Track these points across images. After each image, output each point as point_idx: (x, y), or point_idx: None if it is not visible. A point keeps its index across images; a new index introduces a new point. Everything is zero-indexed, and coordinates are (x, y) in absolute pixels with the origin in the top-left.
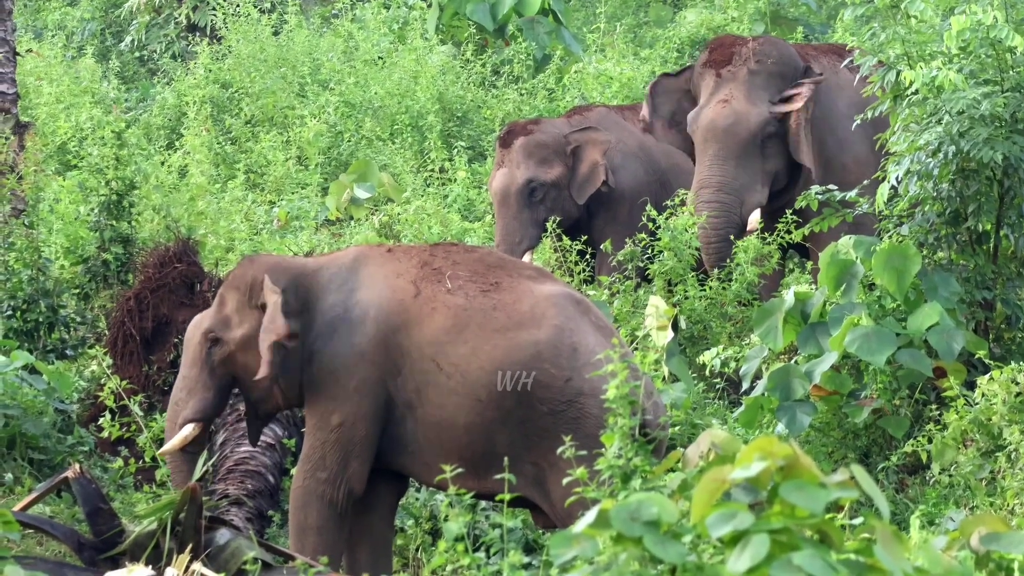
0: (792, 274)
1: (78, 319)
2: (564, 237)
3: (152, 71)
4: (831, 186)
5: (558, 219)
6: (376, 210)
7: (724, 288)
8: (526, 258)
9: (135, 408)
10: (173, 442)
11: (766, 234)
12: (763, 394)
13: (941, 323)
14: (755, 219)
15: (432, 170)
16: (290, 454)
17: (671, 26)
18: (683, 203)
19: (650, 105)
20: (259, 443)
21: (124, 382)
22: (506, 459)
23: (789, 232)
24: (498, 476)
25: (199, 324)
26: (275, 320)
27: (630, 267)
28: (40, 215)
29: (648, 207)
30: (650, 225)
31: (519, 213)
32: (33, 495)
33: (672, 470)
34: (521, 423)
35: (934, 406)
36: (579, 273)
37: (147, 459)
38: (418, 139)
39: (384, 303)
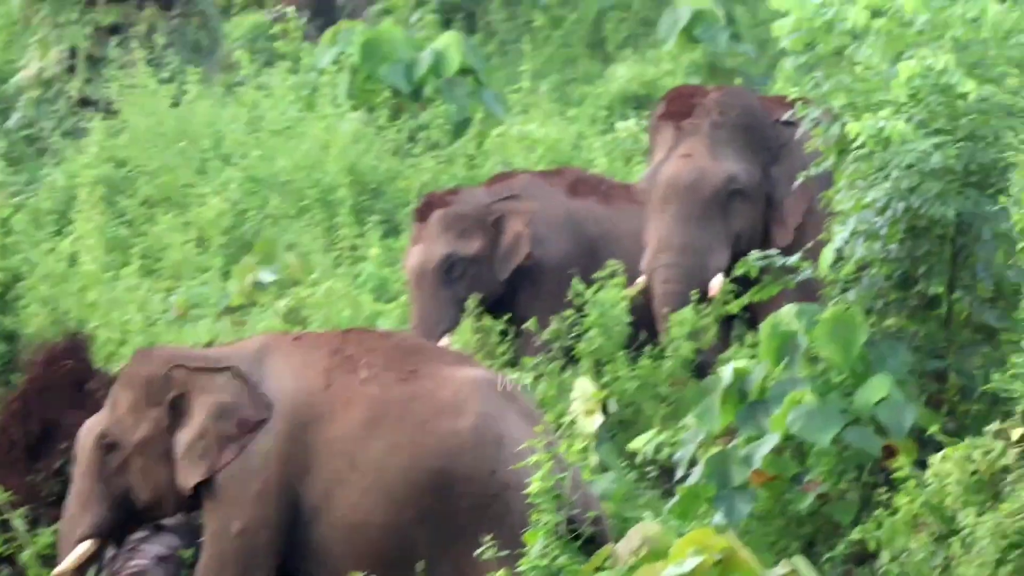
0: (731, 348)
1: None
2: (485, 316)
3: (41, 151)
4: (771, 251)
5: (479, 296)
6: (282, 294)
7: (657, 367)
8: (445, 341)
9: (18, 522)
10: (67, 561)
11: (701, 305)
12: (699, 482)
13: (890, 397)
14: (718, 285)
15: (343, 248)
16: (186, 567)
17: (600, 82)
18: (612, 275)
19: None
20: (152, 555)
21: (6, 493)
22: (424, 562)
23: (727, 303)
24: None
25: (92, 428)
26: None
27: (556, 347)
28: None
29: (575, 280)
30: (577, 300)
31: (437, 292)
32: None
33: (601, 568)
34: (441, 521)
35: (884, 488)
36: (501, 355)
37: None
38: (328, 215)
39: (292, 397)
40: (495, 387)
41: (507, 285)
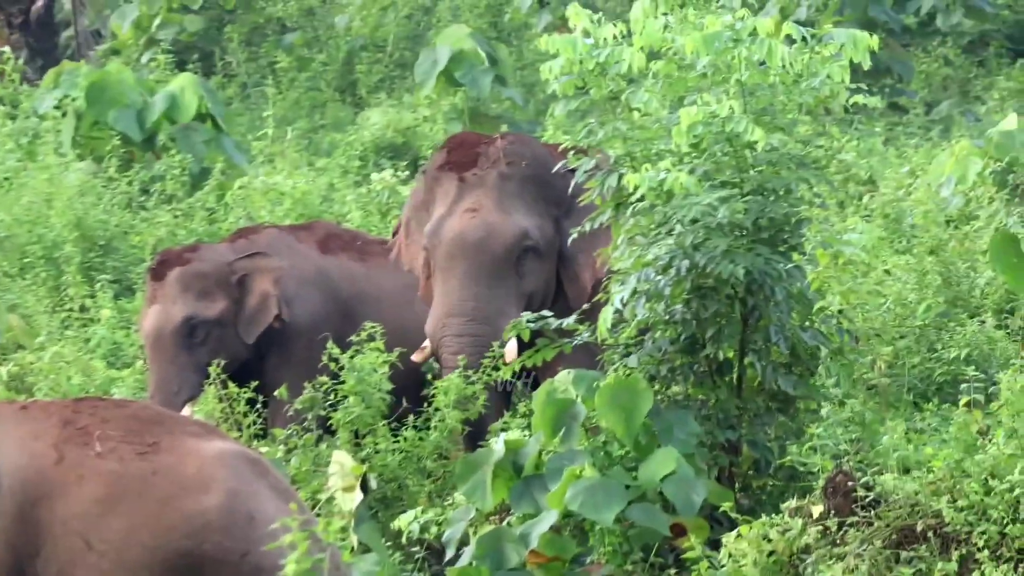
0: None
1: None
2: (230, 383)
3: None
4: (545, 312)
5: (223, 362)
6: (4, 360)
7: (422, 438)
8: (186, 411)
9: None
10: None
11: (470, 371)
12: (471, 564)
13: (678, 471)
14: (512, 351)
15: (71, 309)
16: None
17: (352, 129)
18: (371, 338)
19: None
20: None
21: None
22: None
23: (497, 368)
24: None
25: None
26: None
27: (310, 417)
28: None
29: (329, 344)
30: (332, 365)
31: (176, 357)
32: None
33: None
34: None
35: (673, 571)
36: (249, 426)
37: None
38: (54, 273)
39: (19, 472)
40: (244, 461)
41: (254, 349)
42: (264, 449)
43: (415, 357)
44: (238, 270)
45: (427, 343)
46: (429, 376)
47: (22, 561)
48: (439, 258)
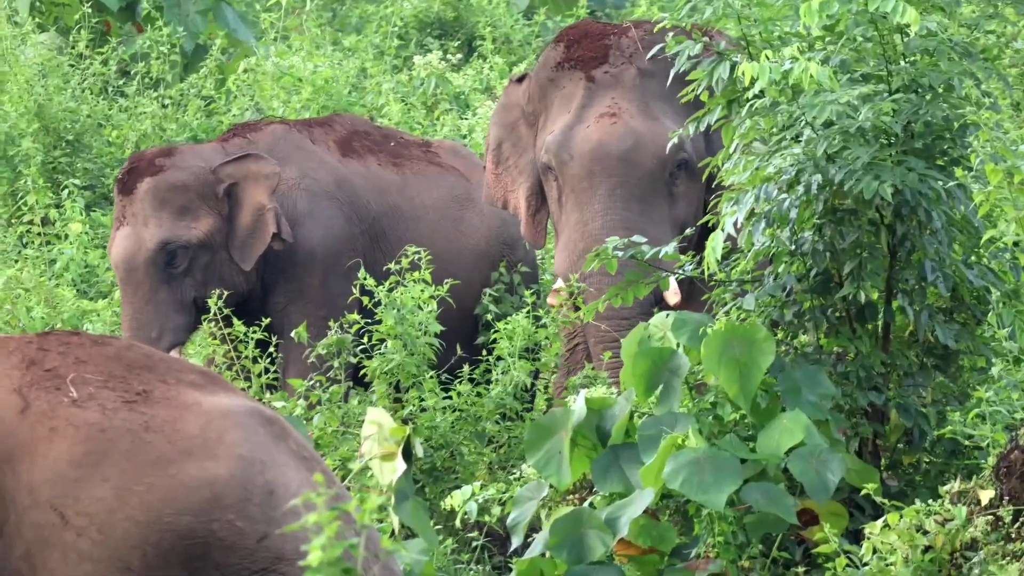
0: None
1: None
2: (235, 320)
3: None
4: (637, 237)
5: (218, 295)
6: None
7: (480, 395)
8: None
9: None
10: None
11: (541, 312)
12: (543, 554)
13: (808, 442)
14: (674, 288)
15: (31, 222)
16: None
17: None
18: (415, 266)
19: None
20: None
21: None
22: None
23: (577, 308)
24: None
25: None
26: None
27: (336, 364)
28: None
29: (362, 272)
30: (365, 300)
31: (153, 293)
32: None
33: None
34: None
35: (801, 569)
36: (259, 375)
37: None
38: (8, 175)
39: None
40: (258, 420)
41: (257, 280)
42: (279, 404)
43: (550, 300)
44: (224, 178)
45: (559, 283)
46: (488, 317)
47: None
48: (571, 177)
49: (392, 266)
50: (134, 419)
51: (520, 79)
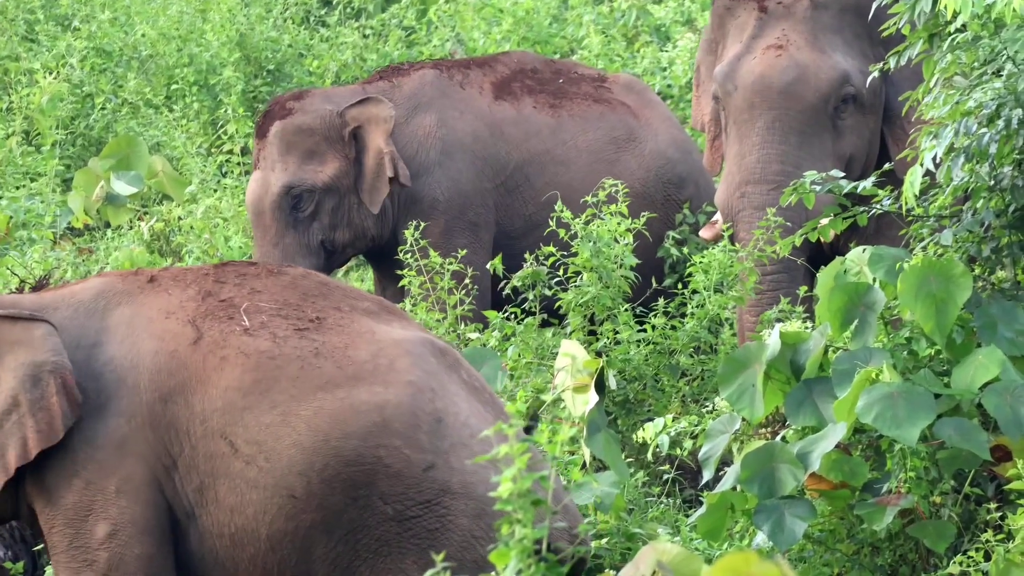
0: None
1: None
2: (431, 252)
3: None
4: (835, 171)
5: (351, 239)
6: (146, 213)
7: (675, 328)
8: None
9: None
10: None
11: (736, 246)
12: (734, 488)
13: (1003, 378)
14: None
15: (231, 151)
16: None
17: None
18: (612, 199)
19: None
20: None
21: None
22: None
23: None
24: None
25: None
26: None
27: (531, 296)
28: None
29: (559, 205)
30: (562, 233)
31: (279, 236)
32: None
33: None
34: (353, 532)
35: (993, 505)
36: (454, 306)
37: None
38: (209, 105)
39: (147, 360)
40: (431, 349)
41: (387, 223)
42: (474, 335)
43: (703, 233)
44: (350, 121)
45: (718, 217)
46: (676, 256)
47: (158, 475)
48: (734, 108)
49: (589, 198)
50: (305, 345)
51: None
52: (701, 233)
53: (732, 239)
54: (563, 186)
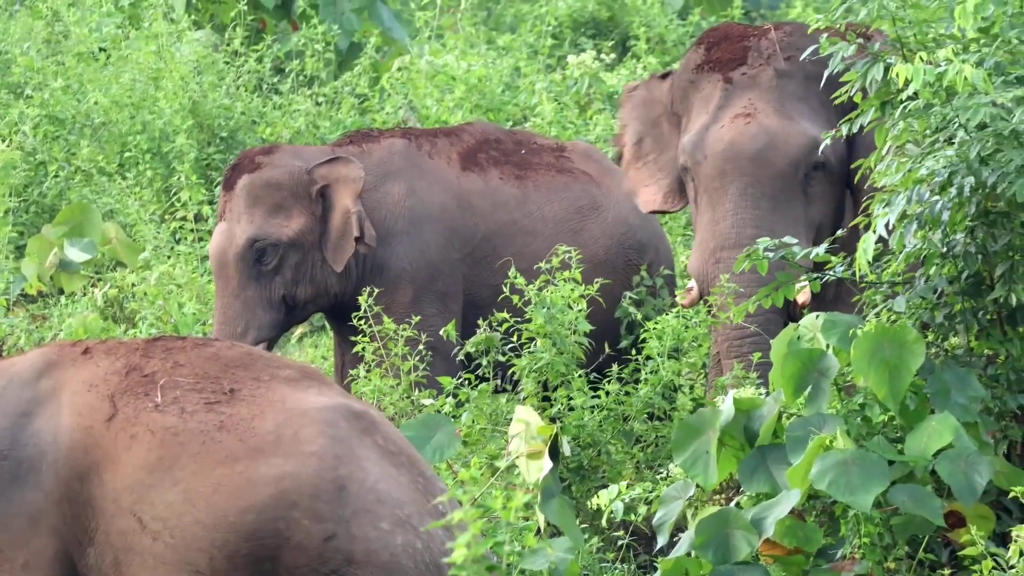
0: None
1: None
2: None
3: None
4: (788, 238)
5: (310, 295)
6: (99, 279)
7: (629, 394)
8: None
9: None
10: None
11: (691, 312)
12: (689, 554)
13: (956, 445)
14: (807, 294)
15: (183, 218)
16: None
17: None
18: (565, 266)
19: (622, 123)
20: None
21: None
22: None
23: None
24: None
25: None
26: None
27: (485, 362)
28: None
29: (512, 272)
30: (515, 299)
31: (242, 288)
32: None
33: None
34: None
35: (947, 571)
36: (408, 372)
37: None
38: (163, 172)
39: (65, 435)
40: (343, 415)
41: (350, 283)
42: (427, 401)
43: (679, 301)
44: (318, 179)
45: (693, 283)
46: (636, 317)
47: (71, 552)
48: (704, 178)
49: (543, 265)
50: (210, 420)
51: (664, 76)
52: (678, 300)
53: (708, 305)
54: (529, 256)
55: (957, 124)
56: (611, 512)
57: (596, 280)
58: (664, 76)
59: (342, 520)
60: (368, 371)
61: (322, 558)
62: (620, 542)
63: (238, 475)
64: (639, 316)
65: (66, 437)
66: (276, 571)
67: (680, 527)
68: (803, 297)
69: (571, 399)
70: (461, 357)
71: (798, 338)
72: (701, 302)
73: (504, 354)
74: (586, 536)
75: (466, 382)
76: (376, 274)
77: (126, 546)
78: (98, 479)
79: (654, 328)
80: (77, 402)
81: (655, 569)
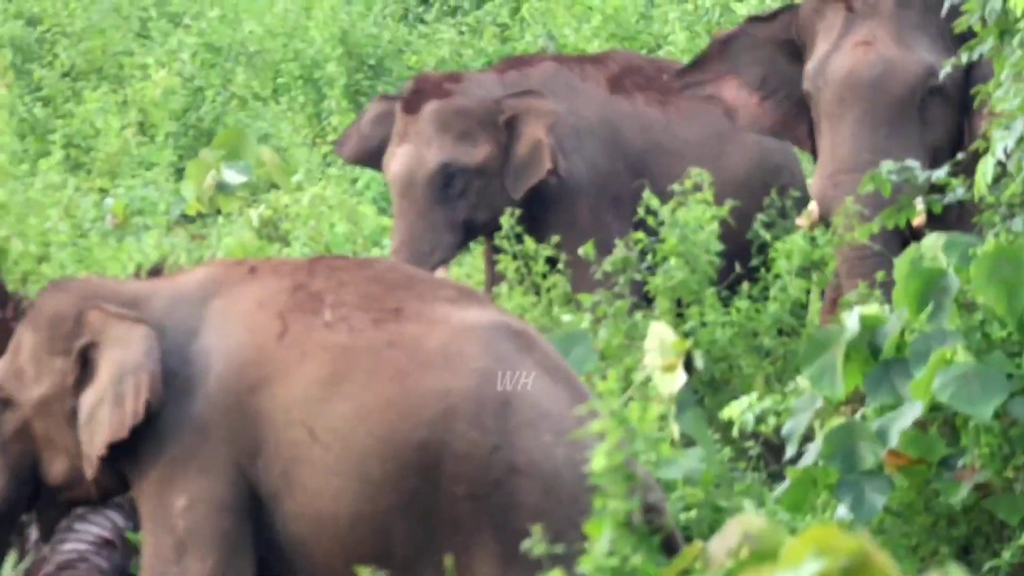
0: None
1: None
2: (526, 239)
3: None
4: (910, 161)
5: (484, 219)
6: (254, 201)
7: (759, 310)
8: (439, 274)
9: None
10: None
11: (817, 232)
12: (816, 463)
13: None
14: (922, 211)
15: (335, 142)
16: (136, 553)
17: None
18: (697, 188)
19: (719, 66)
20: (92, 538)
21: None
22: (404, 563)
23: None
24: None
25: None
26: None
27: (622, 281)
28: None
29: (647, 192)
30: (650, 220)
31: (428, 211)
32: None
33: (688, 571)
34: (427, 512)
35: None
36: (548, 290)
37: None
38: (314, 98)
39: (235, 351)
40: (505, 334)
41: (522, 208)
42: (567, 318)
43: (799, 222)
44: (507, 109)
45: (812, 205)
46: (764, 237)
47: (242, 462)
48: (824, 104)
49: (676, 187)
50: (379, 338)
51: (764, 18)
52: (798, 222)
53: (827, 226)
54: (674, 177)
55: None
56: (742, 423)
57: (727, 201)
58: (768, 17)
59: (507, 433)
60: (511, 288)
61: (487, 467)
62: (751, 452)
63: (408, 390)
64: (768, 237)
65: (237, 353)
66: (441, 480)
67: (808, 438)
68: (918, 220)
69: (704, 315)
70: (598, 275)
71: (920, 257)
72: (822, 223)
73: (640, 272)
74: (718, 446)
75: (604, 299)
76: (553, 195)
77: (296, 456)
78: (268, 392)
79: (782, 247)
80: (247, 320)
81: (785, 478)
